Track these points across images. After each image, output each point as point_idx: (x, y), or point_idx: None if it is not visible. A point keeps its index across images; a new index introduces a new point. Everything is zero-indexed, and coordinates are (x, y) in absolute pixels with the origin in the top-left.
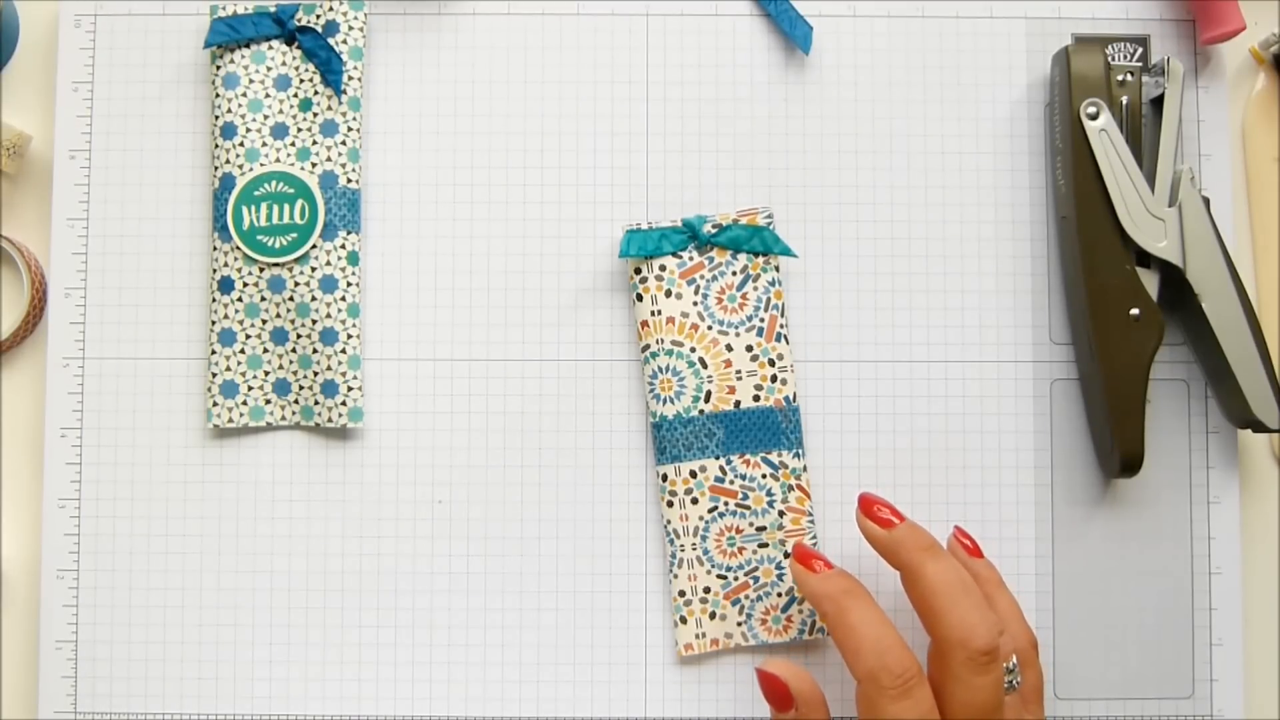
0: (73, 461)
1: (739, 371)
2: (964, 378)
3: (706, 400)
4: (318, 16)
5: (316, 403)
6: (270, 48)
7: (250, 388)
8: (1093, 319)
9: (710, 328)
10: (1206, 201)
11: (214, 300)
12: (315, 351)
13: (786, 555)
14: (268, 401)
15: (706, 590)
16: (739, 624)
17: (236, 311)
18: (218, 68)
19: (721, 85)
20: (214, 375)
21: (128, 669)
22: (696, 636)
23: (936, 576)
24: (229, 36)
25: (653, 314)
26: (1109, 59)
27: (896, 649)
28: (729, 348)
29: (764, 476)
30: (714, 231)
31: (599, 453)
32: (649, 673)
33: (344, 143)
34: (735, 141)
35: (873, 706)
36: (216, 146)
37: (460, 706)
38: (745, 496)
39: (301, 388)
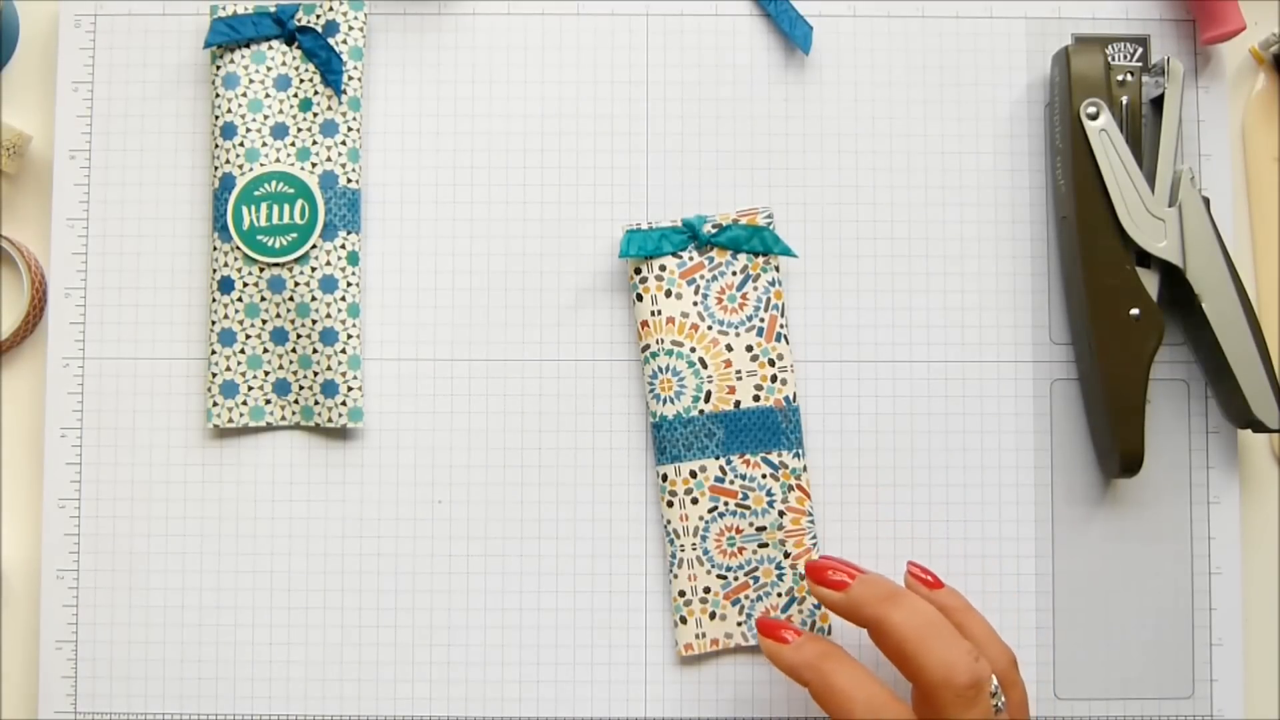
0: (73, 461)
1: (739, 371)
2: (964, 378)
3: (706, 400)
4: (318, 16)
5: (316, 403)
6: (270, 48)
7: (250, 388)
8: (1093, 319)
9: (710, 328)
10: (1206, 201)
11: (214, 300)
12: (315, 351)
13: (786, 555)
14: (268, 401)
15: (706, 590)
16: (739, 624)
17: (236, 311)
18: (218, 68)
19: (721, 85)
20: (214, 375)
21: (128, 669)
22: (696, 636)
23: (904, 623)
24: (229, 36)
25: (653, 314)
26: (1109, 59)
27: (890, 704)
28: (729, 348)
29: (764, 476)
30: (714, 231)
31: (599, 453)
32: (649, 673)
33: (344, 143)
34: (735, 141)
35: None
36: (216, 146)
37: (460, 706)
38: (745, 496)
39: (301, 388)
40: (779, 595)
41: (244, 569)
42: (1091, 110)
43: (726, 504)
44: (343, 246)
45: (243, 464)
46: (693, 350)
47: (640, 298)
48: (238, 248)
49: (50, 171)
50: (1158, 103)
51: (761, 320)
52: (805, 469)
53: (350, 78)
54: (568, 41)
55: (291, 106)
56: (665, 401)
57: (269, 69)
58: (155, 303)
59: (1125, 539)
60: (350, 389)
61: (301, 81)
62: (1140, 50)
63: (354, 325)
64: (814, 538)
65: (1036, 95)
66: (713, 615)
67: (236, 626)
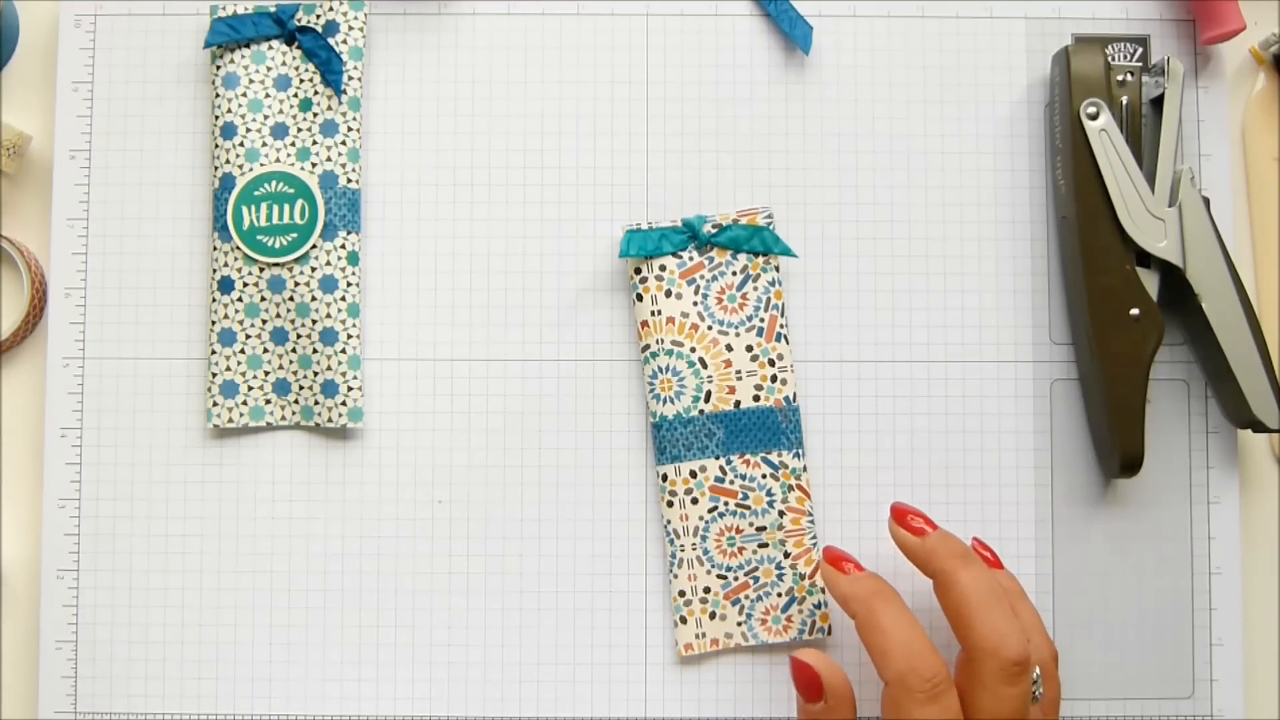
0: (73, 461)
1: (739, 371)
2: (964, 378)
3: (706, 400)
4: (318, 16)
5: (316, 403)
6: (270, 48)
7: (250, 388)
8: (1093, 319)
9: (710, 328)
10: (1206, 201)
11: (214, 300)
12: (315, 351)
13: (787, 555)
14: (268, 401)
15: (706, 590)
16: (739, 624)
17: (236, 311)
18: (218, 68)
19: (721, 85)
20: (214, 375)
21: (128, 669)
22: (696, 636)
23: (970, 585)
24: (229, 36)
25: (653, 314)
26: (1109, 59)
27: (927, 653)
28: (729, 348)
29: (764, 476)
30: (714, 231)
31: (599, 453)
32: (649, 673)
33: (344, 143)
34: (735, 141)
35: (899, 709)
36: (216, 146)
37: (460, 706)
38: (745, 496)
39: (301, 388)
40: (779, 595)
41: (244, 569)
42: (1091, 110)
43: (726, 504)
44: (343, 246)
45: (243, 464)
46: (693, 350)
47: (640, 298)
48: (238, 248)
49: (50, 171)
50: (1158, 103)
51: (761, 320)
52: (805, 469)
53: (350, 78)
54: (568, 41)
55: (291, 106)
56: (665, 401)
57: (269, 69)
58: (155, 303)
59: (1125, 539)
60: (350, 389)
61: (301, 81)
62: (1140, 50)
63: (354, 325)
64: (814, 538)
65: (1036, 95)
66: (713, 615)
67: (236, 626)
